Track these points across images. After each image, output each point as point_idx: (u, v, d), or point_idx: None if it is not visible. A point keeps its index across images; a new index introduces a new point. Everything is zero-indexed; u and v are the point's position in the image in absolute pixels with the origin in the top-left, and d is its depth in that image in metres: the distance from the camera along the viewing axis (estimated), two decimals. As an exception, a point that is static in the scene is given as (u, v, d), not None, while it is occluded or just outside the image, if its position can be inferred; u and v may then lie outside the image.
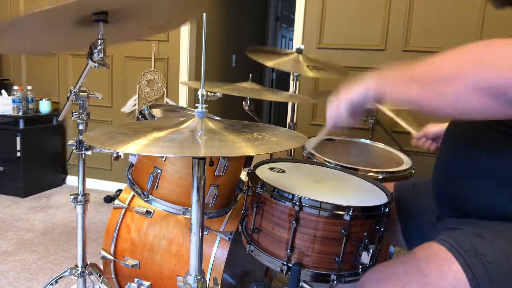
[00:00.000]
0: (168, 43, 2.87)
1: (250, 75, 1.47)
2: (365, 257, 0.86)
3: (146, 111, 1.21)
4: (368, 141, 1.72)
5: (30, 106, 3.06)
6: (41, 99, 3.09)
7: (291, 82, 1.89)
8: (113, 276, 1.38)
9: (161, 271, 1.27)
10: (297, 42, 2.56)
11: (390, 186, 1.14)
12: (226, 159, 1.05)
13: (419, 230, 1.02)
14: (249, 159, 1.23)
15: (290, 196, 0.85)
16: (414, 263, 0.76)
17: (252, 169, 1.01)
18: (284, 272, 0.87)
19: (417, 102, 0.65)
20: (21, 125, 2.89)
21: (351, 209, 0.82)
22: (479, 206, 0.81)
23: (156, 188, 1.09)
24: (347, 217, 0.82)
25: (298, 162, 1.21)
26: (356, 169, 1.26)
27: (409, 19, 2.33)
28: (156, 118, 1.18)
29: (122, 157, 1.37)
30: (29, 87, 3.07)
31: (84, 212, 1.26)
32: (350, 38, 2.46)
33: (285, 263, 0.87)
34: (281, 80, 5.39)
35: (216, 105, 3.49)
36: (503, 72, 0.55)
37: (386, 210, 0.87)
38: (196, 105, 0.79)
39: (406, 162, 1.45)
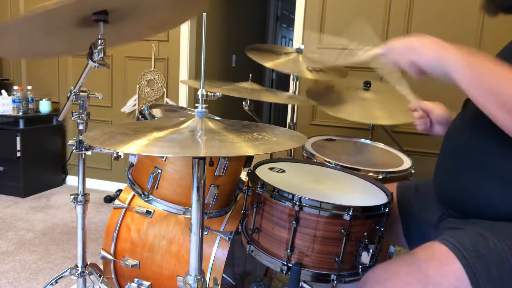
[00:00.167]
0: (168, 43, 2.87)
1: (250, 75, 1.47)
2: (365, 257, 0.86)
3: (146, 111, 1.21)
4: (368, 141, 1.72)
5: (30, 106, 3.06)
6: (41, 99, 3.09)
7: (291, 82, 1.89)
8: (113, 276, 1.38)
9: (161, 271, 1.27)
10: (297, 42, 2.56)
11: (393, 186, 1.14)
12: (226, 159, 1.05)
13: (420, 230, 1.03)
14: (249, 159, 1.23)
15: (290, 196, 0.85)
16: (415, 263, 0.76)
17: (252, 169, 1.01)
18: (284, 272, 0.87)
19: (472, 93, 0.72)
20: (21, 125, 2.89)
21: (351, 209, 0.82)
22: (480, 207, 0.81)
23: (156, 188, 1.09)
24: (347, 217, 0.82)
25: (298, 162, 1.21)
26: (356, 169, 1.26)
27: (409, 19, 2.33)
28: (156, 118, 1.18)
29: (122, 157, 1.37)
30: (29, 87, 3.07)
31: (84, 212, 1.26)
32: (350, 38, 2.46)
33: (285, 263, 0.88)
34: (281, 80, 5.39)
35: (216, 105, 3.49)
36: None
37: (386, 210, 0.87)
38: (196, 105, 0.79)
39: (406, 162, 1.45)
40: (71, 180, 3.34)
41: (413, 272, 0.75)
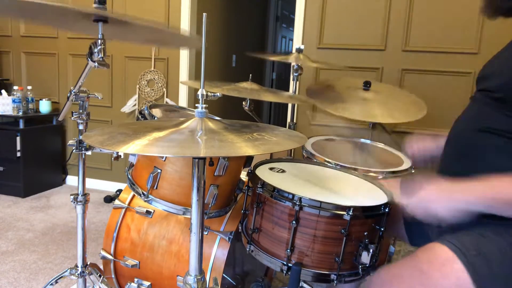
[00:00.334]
0: (168, 43, 2.87)
1: (250, 75, 1.47)
2: (365, 257, 0.86)
3: (146, 111, 1.21)
4: (368, 141, 1.72)
5: (30, 106, 3.05)
6: (41, 99, 3.09)
7: (291, 82, 1.89)
8: (113, 276, 1.38)
9: (161, 271, 1.27)
10: (297, 42, 2.56)
11: (397, 182, 1.13)
12: (226, 159, 1.05)
13: (422, 227, 1.02)
14: (249, 159, 1.23)
15: (290, 196, 0.85)
16: (417, 265, 0.76)
17: (252, 169, 1.01)
18: (284, 272, 0.87)
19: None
20: (21, 125, 2.89)
21: (351, 209, 0.82)
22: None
23: (156, 188, 1.09)
24: (347, 217, 0.82)
25: (298, 162, 1.21)
26: (356, 169, 1.26)
27: (409, 19, 2.33)
28: (156, 118, 1.18)
29: (122, 157, 1.37)
30: (29, 87, 3.07)
31: (84, 212, 1.26)
32: (350, 38, 2.46)
33: (285, 263, 0.87)
34: (281, 80, 5.39)
35: (216, 105, 3.49)
36: None
37: (386, 210, 0.87)
38: (196, 105, 0.79)
39: (406, 162, 1.45)
40: (71, 180, 3.34)
41: (415, 274, 0.75)
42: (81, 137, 1.19)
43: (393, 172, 1.31)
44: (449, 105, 2.30)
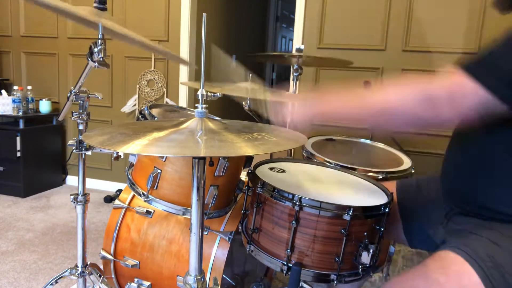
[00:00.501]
0: (168, 43, 2.87)
1: (250, 75, 1.46)
2: (365, 257, 0.86)
3: (146, 111, 1.21)
4: (368, 141, 1.72)
5: (30, 106, 3.06)
6: (41, 99, 3.09)
7: (291, 82, 1.89)
8: (113, 276, 1.38)
9: (161, 271, 1.27)
10: (297, 42, 2.56)
11: (393, 184, 1.13)
12: (226, 159, 1.05)
13: (422, 228, 1.02)
14: (249, 159, 1.23)
15: (290, 196, 0.85)
16: (431, 276, 0.74)
17: (252, 169, 1.01)
18: (284, 272, 0.87)
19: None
20: (21, 125, 2.89)
21: (351, 209, 0.82)
22: (489, 206, 0.80)
23: (156, 188, 1.09)
24: (347, 217, 0.82)
25: (298, 162, 1.21)
26: (356, 169, 1.26)
27: (409, 19, 2.33)
28: (156, 118, 1.18)
29: (122, 157, 1.37)
30: (29, 87, 3.07)
31: (84, 212, 1.26)
32: (350, 38, 2.46)
33: (285, 263, 0.87)
34: (281, 80, 5.39)
35: (216, 105, 3.49)
36: None
37: (386, 210, 0.87)
38: (196, 105, 0.79)
39: (406, 162, 1.45)
40: (71, 180, 3.34)
41: (430, 286, 0.73)
42: (81, 137, 1.19)
43: (393, 172, 1.31)
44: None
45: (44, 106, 3.10)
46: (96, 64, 0.89)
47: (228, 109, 3.83)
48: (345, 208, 0.82)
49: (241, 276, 1.45)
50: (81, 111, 1.18)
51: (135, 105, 2.99)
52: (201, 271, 0.82)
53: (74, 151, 1.20)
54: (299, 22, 2.54)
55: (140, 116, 1.20)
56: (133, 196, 1.37)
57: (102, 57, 0.89)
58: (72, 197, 1.24)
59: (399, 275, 0.82)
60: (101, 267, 1.39)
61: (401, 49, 2.37)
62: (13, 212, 2.63)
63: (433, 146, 2.32)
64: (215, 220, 1.26)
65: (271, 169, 1.08)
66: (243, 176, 1.22)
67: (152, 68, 2.92)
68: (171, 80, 2.92)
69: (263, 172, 1.04)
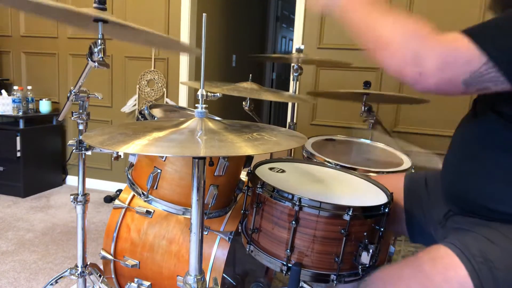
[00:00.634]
0: (168, 43, 2.87)
1: (250, 75, 1.47)
2: (365, 257, 0.86)
3: (146, 111, 1.21)
4: (368, 141, 1.72)
5: (30, 106, 3.05)
6: (41, 99, 3.09)
7: (291, 82, 1.89)
8: (113, 276, 1.38)
9: (161, 271, 1.27)
10: (297, 42, 2.56)
11: (401, 176, 1.13)
12: (226, 159, 1.05)
13: (423, 223, 1.02)
14: (249, 159, 1.23)
15: (290, 196, 0.85)
16: (419, 266, 0.75)
17: (252, 169, 1.01)
18: (284, 272, 0.87)
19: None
20: (21, 125, 2.89)
21: (351, 209, 0.82)
22: (489, 206, 0.80)
23: (156, 188, 1.09)
24: (347, 217, 0.82)
25: (298, 162, 1.21)
26: (356, 169, 1.26)
27: (409, 19, 2.33)
28: (156, 118, 1.18)
29: (122, 157, 1.37)
30: (29, 87, 3.07)
31: (84, 212, 1.26)
32: (350, 38, 2.46)
33: (285, 263, 0.88)
34: (281, 80, 5.39)
35: (216, 105, 3.49)
36: None
37: (386, 210, 0.87)
38: (196, 105, 0.79)
39: (406, 162, 1.45)
40: (71, 180, 3.34)
41: (417, 275, 0.74)
42: (81, 137, 1.19)
43: (393, 172, 1.31)
44: (449, 105, 2.30)
45: (44, 106, 3.10)
46: (96, 64, 0.89)
47: (228, 109, 3.84)
48: (344, 208, 0.83)
49: (242, 276, 1.45)
50: (81, 111, 1.18)
51: (135, 105, 2.99)
52: (201, 271, 0.82)
53: (74, 151, 1.20)
54: (299, 22, 2.54)
55: (140, 116, 1.20)
56: (133, 196, 1.37)
57: (102, 57, 0.89)
58: (72, 197, 1.24)
59: (391, 264, 0.83)
60: (101, 267, 1.39)
61: (401, 49, 2.37)
62: (13, 212, 2.63)
63: (433, 146, 2.32)
64: (215, 220, 1.26)
65: (271, 169, 1.08)
66: (243, 176, 1.22)
67: (152, 68, 2.92)
68: (171, 80, 2.92)
69: (263, 172, 1.04)
